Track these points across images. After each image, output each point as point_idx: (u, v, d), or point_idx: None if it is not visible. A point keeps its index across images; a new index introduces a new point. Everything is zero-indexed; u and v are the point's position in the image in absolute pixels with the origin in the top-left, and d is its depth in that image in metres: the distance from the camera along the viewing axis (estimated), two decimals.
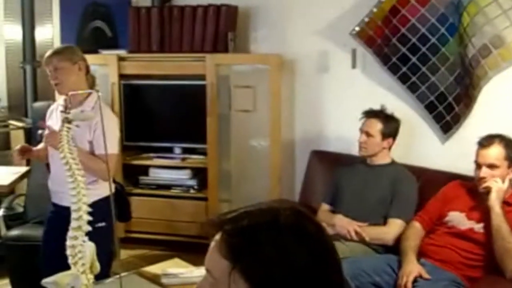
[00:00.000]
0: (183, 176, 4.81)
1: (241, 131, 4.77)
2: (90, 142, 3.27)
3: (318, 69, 4.63)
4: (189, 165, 4.83)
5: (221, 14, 4.75)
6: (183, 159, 4.86)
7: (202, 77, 4.67)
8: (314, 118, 4.69)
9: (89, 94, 3.37)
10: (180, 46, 4.82)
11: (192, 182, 4.81)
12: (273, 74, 4.55)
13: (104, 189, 3.21)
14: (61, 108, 3.37)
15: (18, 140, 4.86)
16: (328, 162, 4.35)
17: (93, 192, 3.26)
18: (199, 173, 4.82)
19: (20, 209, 4.39)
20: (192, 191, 4.80)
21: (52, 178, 3.43)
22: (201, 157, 4.81)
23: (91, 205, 3.17)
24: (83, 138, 3.24)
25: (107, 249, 3.38)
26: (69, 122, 2.82)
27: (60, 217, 3.25)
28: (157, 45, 4.85)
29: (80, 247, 2.76)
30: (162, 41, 4.85)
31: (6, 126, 4.80)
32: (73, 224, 2.83)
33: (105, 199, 3.20)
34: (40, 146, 3.53)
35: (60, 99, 3.45)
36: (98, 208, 3.23)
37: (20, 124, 4.80)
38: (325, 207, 3.93)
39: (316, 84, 4.65)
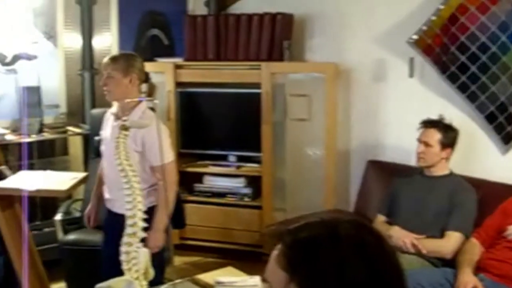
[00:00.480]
0: (237, 184, 4.81)
1: (296, 139, 4.75)
2: (139, 152, 3.28)
3: (375, 78, 4.57)
4: (244, 173, 4.83)
5: (276, 23, 4.75)
6: (238, 167, 4.86)
7: (257, 85, 4.67)
8: (370, 127, 4.63)
9: (139, 102, 3.39)
10: (236, 54, 4.83)
11: (247, 190, 4.80)
12: (329, 82, 4.51)
13: (150, 200, 3.24)
14: (112, 116, 3.43)
15: (76, 146, 4.95)
16: (385, 172, 4.29)
17: (149, 198, 3.30)
18: (254, 182, 4.81)
19: (77, 214, 4.46)
20: (246, 199, 4.80)
21: (106, 185, 3.47)
22: (256, 165, 4.81)
23: (146, 212, 3.25)
24: (129, 149, 3.26)
25: (160, 255, 3.40)
26: (126, 129, 2.85)
27: (114, 223, 3.29)
28: (213, 53, 4.88)
29: (135, 253, 2.78)
30: (218, 49, 4.88)
31: (65, 132, 4.88)
32: (128, 230, 2.85)
33: (151, 208, 3.23)
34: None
35: (113, 107, 3.48)
36: (153, 215, 3.28)
37: (78, 130, 4.87)
38: (381, 218, 3.86)
39: (373, 93, 4.59)
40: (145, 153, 3.28)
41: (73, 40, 5.03)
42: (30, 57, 4.80)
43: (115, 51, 5.15)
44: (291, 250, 1.15)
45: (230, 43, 4.85)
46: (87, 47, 5.08)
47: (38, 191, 3.32)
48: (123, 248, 2.81)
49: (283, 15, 4.74)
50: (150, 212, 3.23)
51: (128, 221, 2.86)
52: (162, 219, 3.25)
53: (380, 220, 3.85)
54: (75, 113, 5.06)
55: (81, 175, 3.55)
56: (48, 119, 4.84)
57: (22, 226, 3.62)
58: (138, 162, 3.27)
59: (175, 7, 5.33)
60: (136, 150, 3.27)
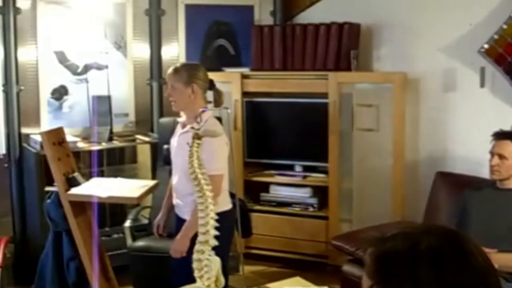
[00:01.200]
0: (303, 194, 4.80)
1: (363, 150, 4.71)
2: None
3: (444, 88, 4.50)
4: (310, 183, 4.81)
5: (343, 32, 4.73)
6: (304, 177, 4.85)
7: (324, 95, 4.65)
8: (439, 138, 4.55)
9: (204, 111, 3.43)
10: (302, 64, 4.83)
11: (313, 201, 4.79)
12: (397, 92, 4.46)
13: (221, 204, 3.25)
14: (180, 126, 3.47)
15: (144, 154, 5.03)
16: (454, 184, 4.20)
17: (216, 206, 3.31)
18: (320, 192, 4.79)
19: (146, 221, 4.52)
20: (312, 209, 4.78)
21: (174, 191, 3.50)
22: (322, 175, 4.79)
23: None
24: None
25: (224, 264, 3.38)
26: (199, 138, 2.88)
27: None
28: (279, 63, 4.89)
29: (207, 261, 2.81)
30: (284, 59, 4.89)
31: (133, 140, 4.97)
32: (200, 238, 2.89)
33: (221, 214, 3.20)
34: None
35: (182, 117, 3.53)
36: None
37: (146, 138, 4.96)
38: None
39: (442, 103, 4.52)
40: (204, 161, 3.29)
41: (142, 50, 5.13)
42: (100, 67, 4.93)
43: (182, 60, 5.22)
44: (373, 260, 1.18)
45: (296, 53, 4.85)
46: (156, 57, 5.17)
47: (109, 197, 3.38)
48: (195, 256, 2.84)
49: (350, 25, 4.72)
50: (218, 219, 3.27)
51: (200, 229, 2.89)
52: (193, 226, 3.14)
53: None
54: (144, 122, 5.16)
55: (151, 183, 3.60)
56: (117, 128, 4.94)
57: (93, 232, 3.69)
58: None
59: (242, 17, 5.37)
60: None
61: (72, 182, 3.53)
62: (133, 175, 5.02)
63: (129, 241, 4.30)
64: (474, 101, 4.34)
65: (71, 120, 4.86)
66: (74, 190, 3.47)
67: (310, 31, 4.81)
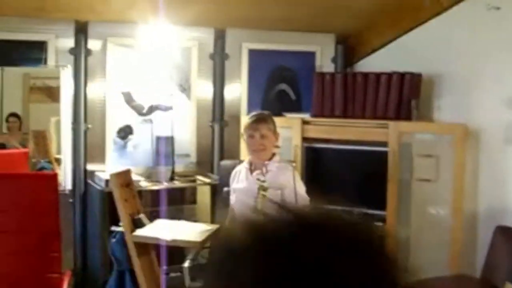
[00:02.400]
0: None
1: (421, 200, 4.70)
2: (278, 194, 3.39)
3: (507, 141, 4.47)
4: None
5: (405, 82, 4.77)
6: None
7: (383, 143, 4.68)
8: (499, 191, 4.52)
9: (273, 155, 3.54)
10: (363, 112, 4.88)
11: None
12: (458, 144, 4.46)
13: None
14: (244, 169, 3.56)
15: (204, 195, 5.13)
16: None
17: None
18: None
19: (203, 261, 4.59)
20: None
21: None
22: (379, 223, 4.79)
23: None
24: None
25: None
26: (265, 189, 2.96)
27: None
28: (340, 110, 4.95)
29: None
30: (345, 106, 4.95)
31: (194, 181, 5.07)
32: None
33: None
34: None
35: (245, 162, 3.63)
36: None
37: (206, 180, 5.06)
38: (510, 287, 3.75)
39: (503, 156, 4.49)
40: (283, 196, 3.37)
41: (205, 93, 5.27)
42: (165, 108, 5.07)
43: (244, 103, 5.34)
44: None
45: (357, 101, 4.91)
46: (218, 100, 5.30)
47: (174, 241, 3.48)
48: None
49: (411, 75, 4.76)
50: None
51: None
52: None
53: None
54: (204, 163, 5.26)
55: (213, 227, 3.68)
56: (178, 168, 5.06)
57: (155, 272, 3.79)
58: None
59: (304, 63, 5.47)
60: (262, 183, 3.38)
61: (137, 223, 3.65)
62: (192, 215, 5.12)
63: (187, 282, 4.36)
64: None
65: (135, 159, 5.01)
66: (139, 232, 3.58)
67: (372, 79, 4.87)
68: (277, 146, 3.69)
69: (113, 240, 3.77)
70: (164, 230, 3.60)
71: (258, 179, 3.06)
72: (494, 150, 4.54)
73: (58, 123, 6.13)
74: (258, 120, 3.55)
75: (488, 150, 4.58)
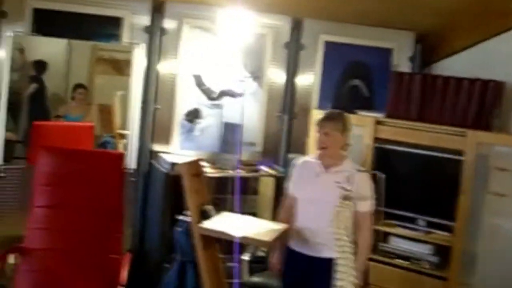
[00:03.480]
0: (424, 251, 4.65)
1: (493, 214, 4.50)
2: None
3: None
4: (432, 240, 4.65)
5: (488, 89, 4.56)
6: (427, 233, 4.70)
7: (457, 151, 4.50)
8: None
9: (344, 157, 3.43)
10: (440, 117, 4.70)
11: (433, 259, 4.63)
12: None
13: None
14: (316, 164, 3.44)
15: (267, 187, 5.02)
16: None
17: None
18: (441, 250, 4.62)
19: (262, 253, 4.50)
20: (431, 267, 4.62)
21: (306, 229, 3.45)
22: (446, 233, 4.62)
23: None
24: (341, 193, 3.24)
25: None
26: (349, 199, 2.83)
27: (320, 268, 3.34)
28: (416, 112, 4.78)
29: None
30: (421, 109, 4.77)
31: (257, 171, 4.98)
32: None
33: None
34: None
35: (315, 156, 3.53)
36: None
37: (271, 171, 4.95)
38: None
39: None
40: (354, 197, 3.24)
41: (277, 82, 5.14)
42: (235, 95, 4.97)
43: (315, 96, 5.22)
44: None
45: (435, 105, 4.72)
46: (289, 91, 5.18)
47: (244, 238, 3.38)
48: None
49: (495, 83, 4.55)
50: None
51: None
52: (361, 260, 3.35)
53: None
54: (269, 153, 5.16)
55: (282, 227, 3.56)
56: (243, 156, 4.97)
57: (219, 266, 3.71)
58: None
59: (380, 60, 5.30)
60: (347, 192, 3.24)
61: (204, 214, 3.56)
62: (252, 207, 5.04)
63: (246, 276, 4.30)
64: None
65: (201, 143, 4.94)
66: (206, 224, 3.49)
67: (452, 83, 4.67)
68: (346, 145, 3.51)
69: (179, 229, 3.70)
70: (232, 224, 3.50)
71: (343, 187, 2.92)
72: None
73: (123, 98, 6.10)
74: (324, 118, 3.45)
75: None
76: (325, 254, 3.34)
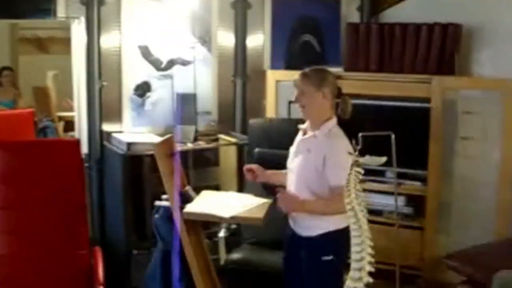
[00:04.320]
0: (398, 203, 4.53)
1: (465, 159, 4.45)
2: (318, 171, 3.07)
3: None
4: (404, 192, 4.56)
5: (447, 34, 4.45)
6: (398, 185, 4.59)
7: (423, 99, 4.40)
8: None
9: (329, 118, 3.20)
10: (401, 67, 4.57)
11: (407, 210, 4.55)
12: (508, 100, 4.20)
13: (333, 222, 3.04)
14: (301, 132, 3.21)
15: (228, 157, 4.78)
16: None
17: (321, 224, 3.09)
18: (414, 201, 4.54)
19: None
20: (406, 219, 4.54)
21: None
22: (418, 183, 4.53)
23: (319, 237, 3.08)
24: (312, 164, 3.06)
25: (333, 285, 3.15)
26: (359, 165, 2.64)
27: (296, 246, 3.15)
28: (376, 63, 4.63)
29: None
30: (381, 60, 4.63)
31: (216, 140, 4.73)
32: (354, 274, 2.66)
33: (334, 233, 3.06)
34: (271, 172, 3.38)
35: (305, 124, 3.28)
36: (326, 241, 3.09)
37: (231, 139, 4.71)
38: None
39: None
40: (324, 171, 3.04)
41: (227, 46, 4.88)
42: (185, 63, 4.68)
43: (267, 56, 4.99)
44: None
45: (395, 54, 4.60)
46: (240, 52, 4.93)
47: (233, 218, 3.16)
48: None
49: (455, 26, 4.44)
50: (323, 239, 3.07)
51: (354, 265, 2.67)
52: (316, 207, 3.05)
53: None
54: (226, 121, 4.91)
55: (267, 200, 3.33)
56: (200, 126, 4.70)
57: (205, 250, 3.48)
58: (316, 182, 3.07)
59: (328, 13, 5.10)
60: (318, 168, 3.05)
61: (184, 197, 3.30)
62: (215, 179, 4.80)
63: (223, 255, 4.06)
64: None
65: (154, 118, 4.63)
66: (190, 208, 3.24)
67: (411, 30, 4.53)
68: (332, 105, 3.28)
69: (156, 216, 3.42)
70: (217, 204, 3.26)
71: (351, 153, 2.71)
72: None
73: (55, 78, 5.68)
74: (300, 76, 3.17)
75: None
76: (300, 231, 3.15)
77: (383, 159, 2.78)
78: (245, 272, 3.90)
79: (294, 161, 3.19)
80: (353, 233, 2.65)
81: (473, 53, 4.63)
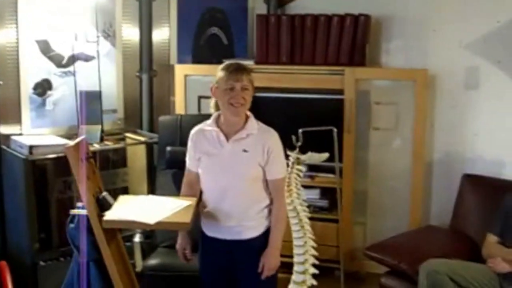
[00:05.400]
0: (311, 196, 4.48)
1: (380, 150, 4.46)
2: (261, 167, 2.97)
3: (466, 86, 4.33)
4: (319, 185, 4.52)
5: (358, 24, 4.44)
6: (312, 178, 4.54)
7: (337, 91, 4.37)
8: (458, 138, 4.41)
9: (248, 117, 3.08)
10: (313, 58, 4.51)
11: (322, 203, 4.51)
12: (419, 90, 4.25)
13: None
14: (214, 132, 3.05)
15: (136, 157, 4.55)
16: (482, 187, 4.08)
17: (265, 222, 3.00)
18: (329, 193, 4.51)
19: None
20: (321, 211, 4.51)
21: (219, 211, 3.07)
22: (331, 175, 4.49)
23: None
24: (254, 161, 2.97)
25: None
26: (299, 163, 2.54)
27: (243, 249, 3.04)
28: (287, 56, 4.54)
29: None
30: (292, 52, 4.54)
31: (123, 139, 4.48)
32: (297, 278, 2.58)
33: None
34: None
35: (209, 120, 3.12)
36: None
37: (139, 138, 4.48)
38: (493, 238, 3.67)
39: (463, 102, 4.36)
40: (266, 165, 2.98)
41: (131, 40, 4.64)
42: (88, 58, 4.41)
43: (174, 50, 4.80)
44: None
45: (306, 45, 4.51)
46: (146, 47, 4.72)
47: (159, 224, 2.95)
48: None
49: (365, 17, 4.43)
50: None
51: (297, 268, 2.58)
52: (281, 235, 3.07)
53: (491, 241, 3.67)
54: (132, 118, 4.68)
55: (191, 202, 3.14)
56: (106, 125, 4.44)
57: (125, 259, 3.26)
58: (261, 179, 3.00)
59: (235, 4, 4.96)
60: (260, 163, 2.98)
61: (102, 204, 3.07)
62: (124, 180, 4.56)
63: (139, 261, 3.85)
64: (498, 100, 4.21)
65: (56, 118, 4.33)
66: (110, 215, 3.00)
67: (322, 21, 4.48)
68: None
69: (71, 225, 3.16)
70: (138, 210, 3.04)
71: (289, 155, 2.60)
72: (453, 96, 4.42)
73: None
74: (240, 70, 2.96)
75: (446, 96, 4.43)
76: (244, 235, 3.03)
77: (325, 155, 2.70)
78: (163, 278, 3.73)
79: (232, 164, 3.02)
80: (295, 235, 2.56)
81: (383, 44, 4.64)
